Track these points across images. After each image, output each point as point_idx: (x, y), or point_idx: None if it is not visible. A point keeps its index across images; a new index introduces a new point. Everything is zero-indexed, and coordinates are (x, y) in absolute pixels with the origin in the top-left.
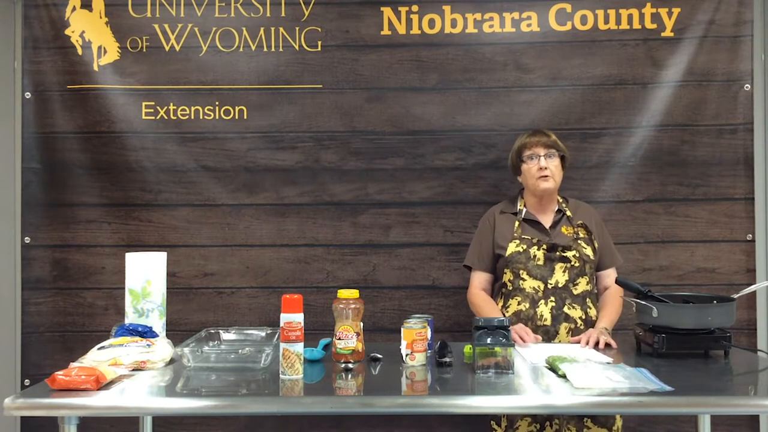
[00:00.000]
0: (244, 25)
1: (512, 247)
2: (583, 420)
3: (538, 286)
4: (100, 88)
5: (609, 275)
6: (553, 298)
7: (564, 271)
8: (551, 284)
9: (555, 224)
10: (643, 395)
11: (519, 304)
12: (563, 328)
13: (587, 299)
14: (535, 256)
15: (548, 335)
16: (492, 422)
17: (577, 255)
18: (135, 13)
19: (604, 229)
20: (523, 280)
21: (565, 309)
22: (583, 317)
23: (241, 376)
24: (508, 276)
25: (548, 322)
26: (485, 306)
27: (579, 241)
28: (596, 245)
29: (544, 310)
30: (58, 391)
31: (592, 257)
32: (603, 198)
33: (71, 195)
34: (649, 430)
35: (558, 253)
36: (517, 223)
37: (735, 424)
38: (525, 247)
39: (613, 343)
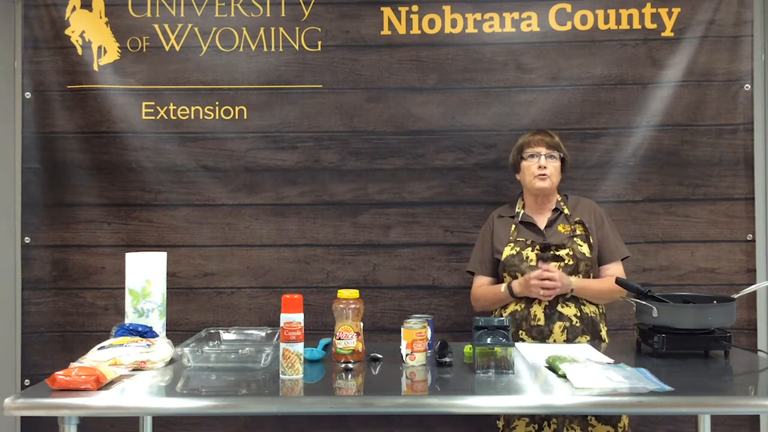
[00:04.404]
0: (244, 25)
1: (507, 251)
2: (587, 418)
3: None
4: (100, 88)
5: (610, 269)
6: None
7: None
8: None
9: (551, 223)
10: (643, 395)
11: (515, 304)
12: (557, 326)
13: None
14: (528, 257)
15: (542, 335)
16: (497, 421)
17: (571, 253)
18: (135, 13)
19: (606, 222)
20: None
21: (559, 308)
22: (579, 314)
23: (241, 376)
24: (507, 279)
25: (542, 322)
26: (486, 292)
27: (575, 239)
28: (592, 241)
29: (537, 309)
30: (58, 391)
31: (587, 254)
32: (603, 198)
33: (71, 195)
34: (649, 430)
35: (551, 253)
36: (513, 226)
37: (735, 424)
38: (519, 249)
39: (557, 284)
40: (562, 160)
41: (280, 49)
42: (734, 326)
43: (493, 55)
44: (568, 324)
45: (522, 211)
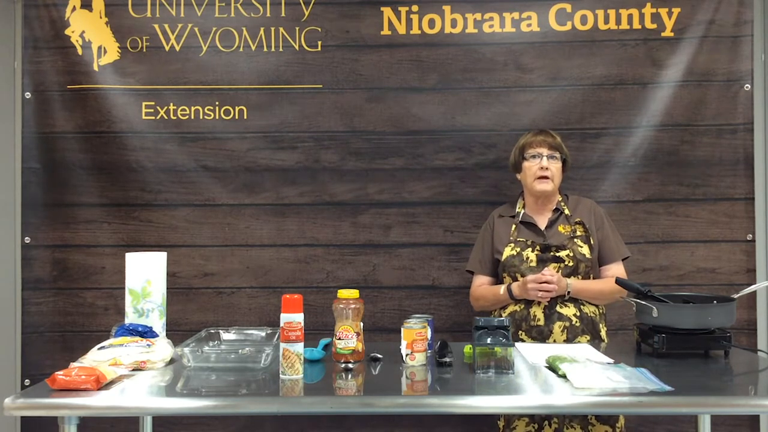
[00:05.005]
0: (244, 25)
1: (507, 251)
2: (588, 418)
3: None
4: (100, 88)
5: (610, 269)
6: None
7: (557, 272)
8: None
9: (551, 224)
10: (643, 395)
11: (515, 305)
12: (557, 326)
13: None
14: (528, 258)
15: (542, 335)
16: (498, 421)
17: (571, 254)
18: (135, 13)
19: (606, 222)
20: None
21: (558, 308)
22: (578, 314)
23: (241, 376)
24: (507, 280)
25: (541, 322)
26: (486, 292)
27: (575, 240)
28: (593, 242)
29: (537, 310)
30: (58, 391)
31: (588, 255)
32: (603, 198)
33: (71, 195)
34: (649, 430)
35: (551, 254)
36: (513, 227)
37: (735, 424)
38: (519, 249)
39: (554, 287)
40: (564, 161)
41: (280, 49)
42: (734, 326)
43: (493, 55)
44: (567, 324)
45: (522, 211)
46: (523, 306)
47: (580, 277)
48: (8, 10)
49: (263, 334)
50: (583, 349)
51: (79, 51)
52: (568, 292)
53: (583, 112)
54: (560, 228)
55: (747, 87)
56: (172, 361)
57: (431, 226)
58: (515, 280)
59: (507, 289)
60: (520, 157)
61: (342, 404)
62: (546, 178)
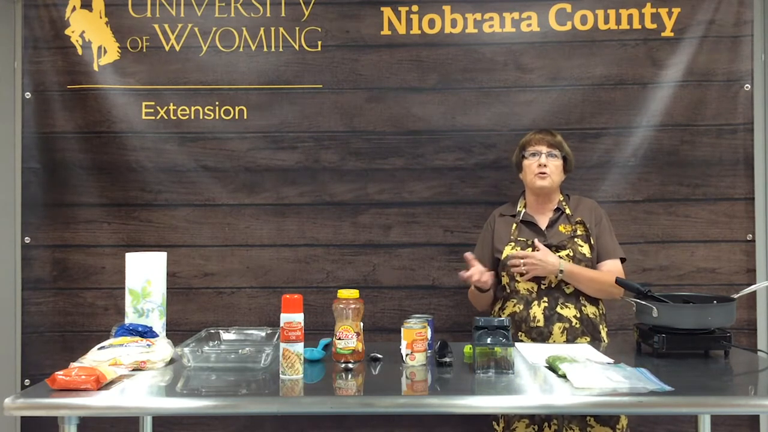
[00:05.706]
0: (244, 25)
1: (507, 250)
2: (586, 419)
3: (532, 288)
4: (100, 88)
5: (605, 265)
6: (546, 299)
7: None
8: (544, 285)
9: (552, 223)
10: (643, 395)
11: (514, 305)
12: (557, 328)
13: (581, 297)
14: None
15: (542, 336)
16: (493, 422)
17: (572, 254)
18: (135, 13)
19: (604, 220)
20: (518, 282)
21: (558, 309)
22: (578, 315)
23: (241, 376)
24: (505, 279)
25: (541, 323)
26: (471, 293)
27: (576, 239)
28: (593, 242)
29: (537, 311)
30: (58, 391)
31: (588, 255)
32: (603, 198)
33: (71, 195)
34: (649, 430)
35: None
36: (514, 226)
37: (735, 424)
38: (519, 249)
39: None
40: (564, 160)
41: (280, 49)
42: (734, 326)
43: (493, 55)
44: (567, 325)
45: (523, 211)
46: (522, 307)
47: None
48: (8, 10)
49: (263, 334)
50: (583, 349)
51: (79, 51)
52: (561, 271)
53: (583, 112)
54: (561, 228)
55: (747, 87)
56: (172, 361)
57: (431, 226)
58: (513, 278)
59: (475, 285)
60: (520, 155)
61: (342, 404)
62: (544, 174)
